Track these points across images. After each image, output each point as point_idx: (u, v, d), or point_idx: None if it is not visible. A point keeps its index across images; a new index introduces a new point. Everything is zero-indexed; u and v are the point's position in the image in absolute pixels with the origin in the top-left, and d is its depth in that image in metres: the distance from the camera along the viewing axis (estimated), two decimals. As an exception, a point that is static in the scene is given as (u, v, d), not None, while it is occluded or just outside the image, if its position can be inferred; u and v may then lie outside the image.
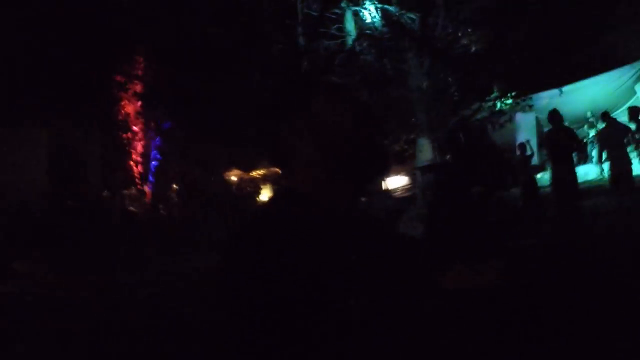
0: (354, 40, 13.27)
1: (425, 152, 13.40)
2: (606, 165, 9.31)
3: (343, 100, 1.13)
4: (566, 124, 9.82)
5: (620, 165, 8.85)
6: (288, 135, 1.13)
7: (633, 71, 15.47)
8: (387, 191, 19.33)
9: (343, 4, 13.04)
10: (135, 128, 22.24)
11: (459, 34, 13.03)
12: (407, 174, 22.63)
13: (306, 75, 1.26)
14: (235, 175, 29.22)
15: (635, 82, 15.39)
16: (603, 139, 9.47)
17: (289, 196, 1.13)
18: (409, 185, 20.94)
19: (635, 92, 15.25)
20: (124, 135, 22.10)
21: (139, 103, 21.66)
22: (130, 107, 21.74)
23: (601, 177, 12.35)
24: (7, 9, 15.10)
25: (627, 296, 4.67)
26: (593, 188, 12.01)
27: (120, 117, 21.70)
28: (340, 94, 1.14)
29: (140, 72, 20.90)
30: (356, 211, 1.17)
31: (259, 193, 27.06)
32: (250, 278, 0.93)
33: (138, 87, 21.15)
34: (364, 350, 0.98)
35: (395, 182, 23.41)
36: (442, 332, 1.19)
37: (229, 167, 28.61)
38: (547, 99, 15.68)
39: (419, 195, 13.63)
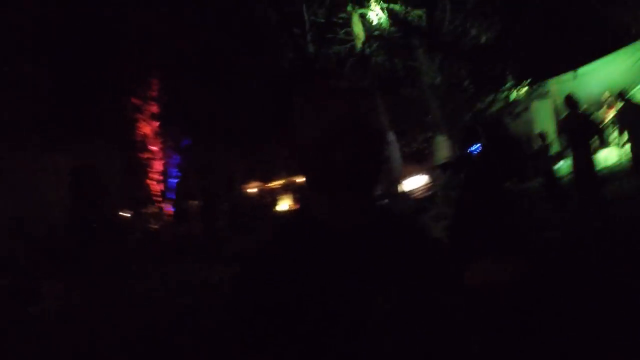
0: (363, 43, 13.27)
1: (443, 149, 13.34)
2: (627, 147, 9.15)
3: (330, 107, 1.05)
4: (584, 107, 9.70)
5: (641, 145, 8.71)
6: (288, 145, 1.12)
7: (646, 45, 15.21)
8: (407, 192, 19.25)
9: (349, 8, 13.05)
10: (153, 147, 22.58)
11: (467, 26, 12.95)
12: (426, 173, 22.54)
13: (294, 80, 1.12)
14: (254, 187, 29.38)
15: (651, 56, 15.11)
16: (621, 120, 9.32)
17: (300, 214, 1.13)
18: (429, 185, 20.84)
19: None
20: (143, 155, 22.45)
21: (156, 123, 22.05)
22: (147, 128, 22.11)
23: (623, 159, 12.16)
24: (25, 35, 15.45)
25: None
26: (615, 172, 11.82)
27: (138, 138, 22.06)
28: (328, 100, 1.06)
29: (155, 94, 21.27)
30: (370, 216, 1.12)
31: (278, 203, 27.17)
32: (262, 298, 0.95)
33: (154, 108, 21.54)
34: (382, 350, 0.99)
35: (415, 182, 23.30)
36: (463, 330, 1.16)
37: (248, 180, 28.78)
38: (562, 83, 15.52)
39: (440, 194, 13.56)
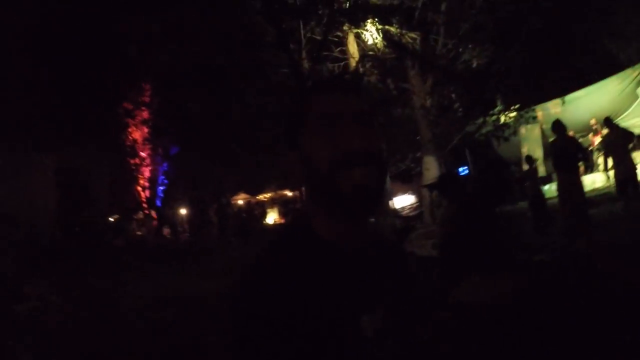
0: (357, 62, 13.45)
1: (432, 169, 13.47)
2: (612, 172, 9.36)
3: (330, 134, 1.05)
4: (571, 132, 9.92)
5: (625, 171, 8.90)
6: (289, 164, 1.14)
7: (633, 75, 15.57)
8: (395, 210, 19.41)
9: (345, 28, 13.24)
10: (142, 154, 22.54)
11: (460, 51, 13.17)
12: (413, 193, 22.73)
13: (298, 104, 1.17)
14: (242, 199, 29.40)
15: (637, 86, 15.47)
16: (607, 146, 9.52)
17: (297, 227, 1.13)
18: (416, 204, 21.01)
19: (637, 96, 15.33)
20: (132, 161, 22.39)
21: (146, 129, 22.00)
22: (137, 133, 22.04)
23: (608, 184, 12.39)
24: (18, 38, 15.42)
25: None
26: (601, 196, 12.06)
27: (128, 143, 21.99)
28: (328, 127, 1.06)
29: (147, 99, 21.23)
30: (365, 236, 1.14)
31: (265, 216, 27.22)
32: (263, 308, 0.95)
33: (145, 114, 21.49)
34: None
35: (403, 201, 23.49)
36: (452, 346, 1.19)
37: (236, 191, 28.81)
38: (550, 109, 15.83)
39: (427, 213, 13.70)
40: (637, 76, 15.53)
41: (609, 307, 4.79)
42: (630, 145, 9.68)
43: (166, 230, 23.01)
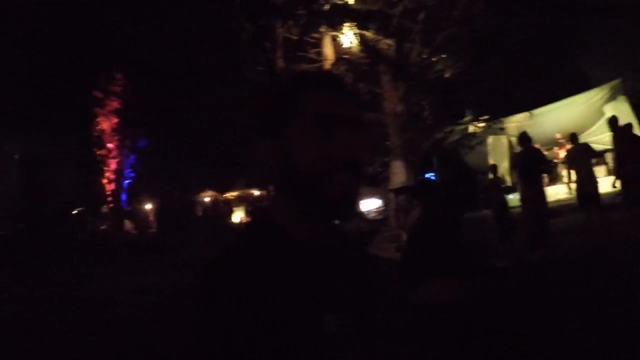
0: (332, 65, 13.54)
1: (399, 174, 13.64)
2: (574, 185, 9.63)
3: (325, 139, 1.01)
4: (537, 145, 10.19)
5: (587, 184, 9.18)
6: (263, 158, 1.09)
7: (601, 93, 16.05)
8: (361, 213, 19.51)
9: (322, 29, 13.33)
10: (110, 145, 22.19)
11: (434, 60, 13.37)
12: (379, 197, 22.89)
13: (284, 99, 1.07)
14: (209, 196, 29.22)
15: (604, 104, 15.92)
16: (571, 160, 9.79)
17: (265, 223, 1.10)
18: (382, 208, 21.14)
19: (603, 114, 15.76)
20: (99, 152, 22.01)
21: (115, 120, 21.64)
22: (106, 124, 21.65)
23: (571, 196, 12.71)
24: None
25: (595, 314, 4.88)
26: (562, 207, 12.40)
27: (95, 133, 21.61)
28: (324, 130, 1.01)
29: (118, 89, 20.89)
30: (333, 237, 1.13)
31: (232, 214, 27.09)
32: (232, 304, 0.94)
33: (115, 104, 21.13)
34: None
35: (369, 204, 23.61)
36: (408, 347, 1.21)
37: (203, 188, 28.64)
38: (518, 121, 16.18)
39: (392, 217, 13.85)
40: (604, 95, 15.99)
41: (556, 315, 4.98)
42: (594, 161, 9.98)
43: (130, 225, 22.73)
